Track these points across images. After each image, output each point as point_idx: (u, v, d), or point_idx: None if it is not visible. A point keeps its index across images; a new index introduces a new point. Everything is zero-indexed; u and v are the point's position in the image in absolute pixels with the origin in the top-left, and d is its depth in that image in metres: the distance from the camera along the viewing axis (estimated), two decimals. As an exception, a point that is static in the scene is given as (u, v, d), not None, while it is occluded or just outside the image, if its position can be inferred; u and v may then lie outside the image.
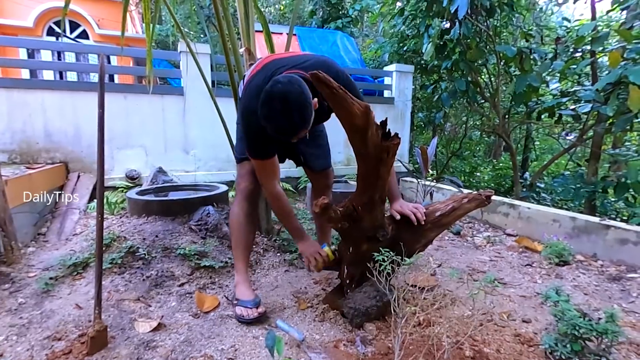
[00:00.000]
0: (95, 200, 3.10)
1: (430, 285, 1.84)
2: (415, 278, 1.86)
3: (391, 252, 1.25)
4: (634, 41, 2.85)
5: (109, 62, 6.81)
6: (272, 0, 8.91)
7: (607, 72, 3.81)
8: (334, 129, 4.65)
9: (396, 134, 1.18)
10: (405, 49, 5.11)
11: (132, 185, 3.43)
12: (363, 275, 1.51)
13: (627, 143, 4.73)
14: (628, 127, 3.14)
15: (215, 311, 1.64)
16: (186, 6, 6.99)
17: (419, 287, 1.70)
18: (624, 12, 3.29)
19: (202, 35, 8.36)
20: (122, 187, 3.39)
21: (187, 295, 1.76)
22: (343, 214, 1.34)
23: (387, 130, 1.17)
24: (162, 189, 2.95)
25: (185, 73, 3.62)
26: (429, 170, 3.41)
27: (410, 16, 4.52)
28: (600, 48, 3.38)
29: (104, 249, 1.89)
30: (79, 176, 3.36)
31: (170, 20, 7.97)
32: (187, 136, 3.75)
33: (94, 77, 6.59)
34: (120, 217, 2.51)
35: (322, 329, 1.50)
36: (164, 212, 2.38)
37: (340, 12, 6.99)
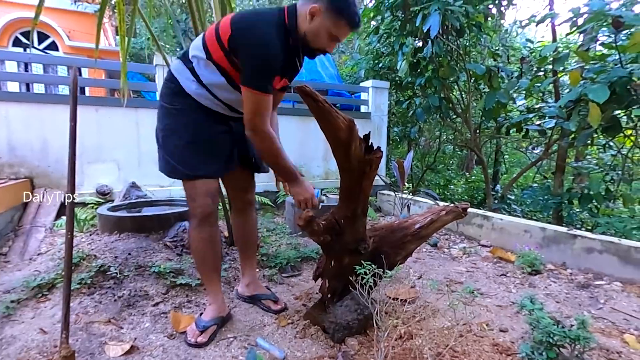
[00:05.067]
0: (62, 218, 2.96)
1: (411, 297, 1.85)
2: (397, 291, 1.87)
3: (373, 265, 1.25)
4: (591, 62, 3.06)
5: (80, 74, 6.61)
6: (249, 16, 9.02)
7: (568, 90, 4.06)
8: (314, 144, 4.66)
9: (378, 148, 1.20)
10: (380, 65, 5.26)
11: (103, 201, 3.30)
12: (345, 289, 1.50)
13: (588, 156, 5.02)
14: (589, 142, 3.33)
15: (192, 331, 1.58)
16: (162, 19, 6.94)
17: (400, 300, 1.71)
18: (582, 35, 3.54)
19: (178, 49, 8.29)
20: (92, 203, 3.25)
21: (162, 315, 1.69)
22: (326, 227, 1.34)
23: (369, 144, 1.19)
24: (136, 205, 2.85)
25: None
26: (406, 183, 3.48)
27: (384, 34, 4.67)
28: (562, 68, 3.61)
29: (72, 268, 1.79)
30: (45, 192, 3.20)
31: (145, 33, 7.88)
32: (162, 150, 3.66)
33: (63, 90, 6.35)
34: (90, 235, 2.40)
35: (304, 345, 1.48)
36: (138, 228, 2.30)
37: (317, 29, 7.15)
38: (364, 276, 1.23)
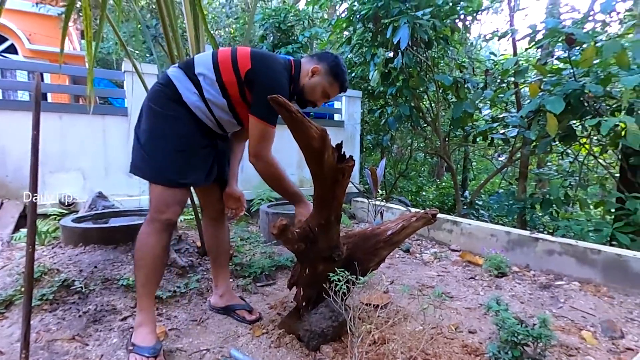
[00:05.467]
0: (21, 230, 2.80)
1: (384, 302, 1.88)
2: (370, 296, 1.90)
3: (346, 272, 1.27)
4: (548, 75, 3.26)
5: (42, 79, 6.31)
6: (223, 23, 8.92)
7: (528, 101, 4.31)
8: (287, 151, 4.67)
9: (351, 157, 1.23)
10: (353, 75, 5.37)
11: (66, 212, 3.15)
12: (319, 297, 1.51)
13: (549, 163, 5.31)
14: (548, 149, 3.54)
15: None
16: (131, 24, 6.76)
17: (373, 305, 1.74)
18: (540, 49, 3.78)
19: (147, 55, 8.09)
20: (54, 215, 3.09)
21: (130, 330, 1.63)
22: (300, 235, 1.35)
23: (342, 152, 1.21)
24: (103, 215, 2.75)
25: (130, 93, 3.47)
26: (379, 190, 3.55)
27: (357, 45, 4.78)
28: (522, 80, 3.83)
29: (33, 283, 1.69)
30: (2, 203, 3.02)
31: (112, 37, 7.64)
32: (131, 158, 3.56)
33: (23, 95, 6.04)
34: (53, 248, 2.29)
35: (279, 355, 1.47)
36: (105, 240, 2.21)
37: (291, 38, 7.18)
38: (338, 283, 1.24)
